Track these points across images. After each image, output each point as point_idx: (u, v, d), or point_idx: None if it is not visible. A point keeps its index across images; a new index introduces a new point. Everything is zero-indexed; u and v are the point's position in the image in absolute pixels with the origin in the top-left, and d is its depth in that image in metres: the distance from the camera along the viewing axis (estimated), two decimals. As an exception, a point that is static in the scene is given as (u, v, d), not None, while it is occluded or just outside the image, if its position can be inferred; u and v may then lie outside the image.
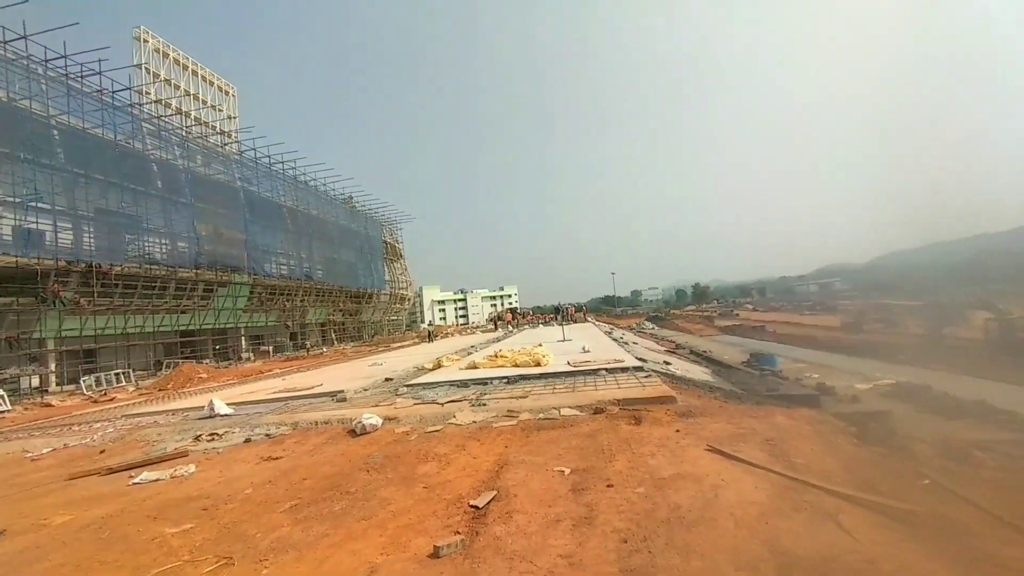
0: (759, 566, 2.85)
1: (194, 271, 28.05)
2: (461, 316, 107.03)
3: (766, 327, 42.31)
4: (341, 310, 43.50)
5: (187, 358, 27.12)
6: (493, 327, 41.08)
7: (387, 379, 12.03)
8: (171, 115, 30.98)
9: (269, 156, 36.05)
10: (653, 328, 49.27)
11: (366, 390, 10.77)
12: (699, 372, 14.20)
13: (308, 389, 11.37)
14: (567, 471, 4.68)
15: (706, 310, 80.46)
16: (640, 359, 11.43)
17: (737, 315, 63.50)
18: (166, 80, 34.32)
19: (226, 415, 9.43)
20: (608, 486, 4.21)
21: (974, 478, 4.36)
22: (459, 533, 3.58)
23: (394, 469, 5.38)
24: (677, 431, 5.81)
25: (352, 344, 40.18)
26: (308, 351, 33.69)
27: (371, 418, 7.15)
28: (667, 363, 12.83)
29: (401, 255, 56.16)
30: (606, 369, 9.62)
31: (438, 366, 12.92)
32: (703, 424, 6.11)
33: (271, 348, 34.72)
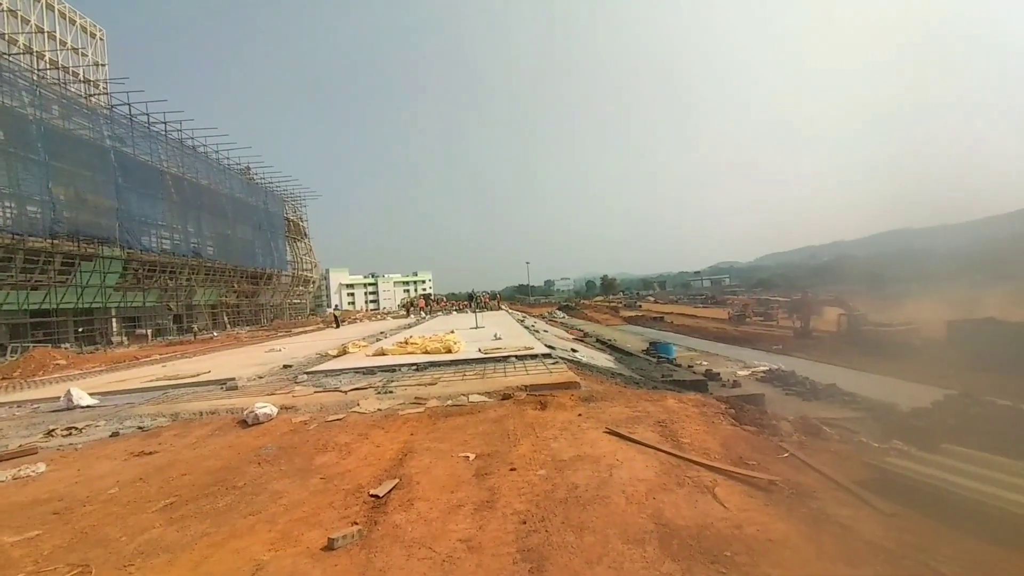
0: (644, 538, 3.07)
1: (49, 241, 24.06)
2: (372, 301, 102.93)
3: (665, 318, 45.82)
4: (236, 291, 39.87)
5: (40, 342, 23.29)
6: (405, 313, 40.14)
7: (286, 366, 11.25)
8: (17, 54, 26.04)
9: (148, 115, 31.71)
10: (564, 317, 51.20)
11: (261, 377, 9.99)
12: (603, 359, 15.02)
13: (193, 377, 10.30)
14: (472, 456, 4.70)
15: (613, 301, 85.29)
16: (549, 346, 11.79)
17: (640, 306, 68.05)
18: (10, 11, 28.72)
19: (88, 406, 8.26)
20: (511, 470, 4.30)
21: (822, 449, 5.05)
22: (357, 524, 3.45)
23: (289, 460, 5.06)
24: (579, 415, 6.07)
25: (248, 329, 37.04)
26: (195, 335, 30.53)
27: (265, 407, 6.65)
28: (574, 351, 13.38)
29: (305, 234, 52.66)
30: (516, 356, 9.80)
31: (343, 353, 12.34)
32: (603, 408, 6.44)
33: (150, 332, 30.92)
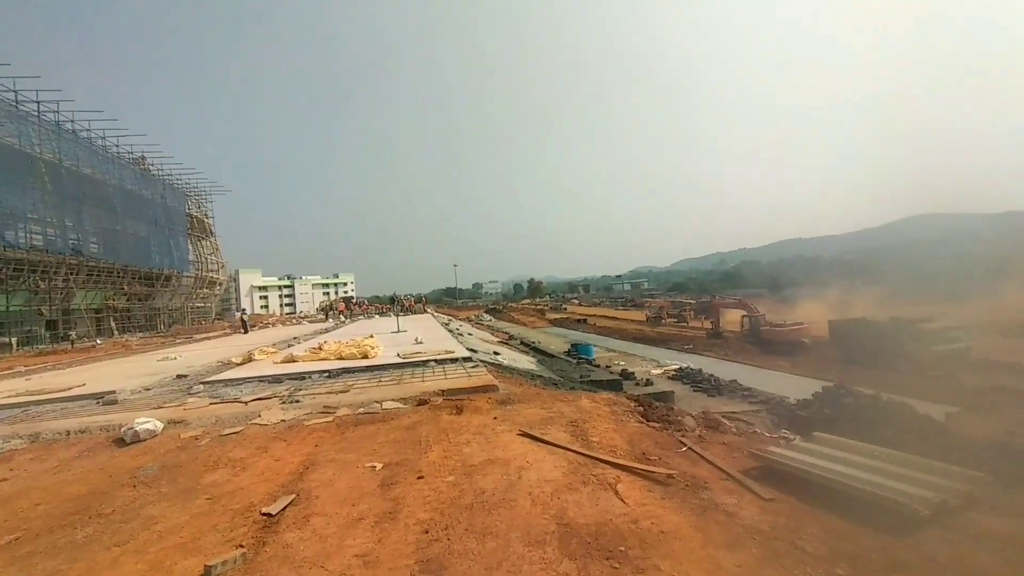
0: (545, 539, 3.09)
1: None
2: (287, 304, 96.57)
3: (588, 320, 47.47)
4: (125, 294, 35.71)
5: None
6: (324, 317, 38.17)
7: (179, 376, 10.19)
8: None
9: (16, 91, 27.59)
10: (490, 320, 51.38)
11: (148, 390, 8.98)
12: (526, 361, 15.20)
13: (64, 391, 9.03)
14: (379, 466, 4.51)
15: (539, 304, 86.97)
16: (471, 350, 11.72)
17: (565, 309, 70.01)
18: None
19: (-83, 430, 6.94)
20: (419, 478, 4.17)
21: (717, 442, 5.42)
22: (242, 547, 3.17)
23: (172, 481, 4.56)
24: (495, 418, 6.05)
25: (140, 335, 33.30)
26: (73, 344, 26.90)
27: (147, 423, 5.96)
28: (496, 354, 13.42)
29: (211, 232, 48.35)
30: (436, 360, 9.62)
31: (248, 360, 11.43)
32: (519, 411, 6.48)
33: (15, 341, 26.79)
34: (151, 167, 39.48)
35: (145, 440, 5.80)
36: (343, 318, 34.61)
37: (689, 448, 4.95)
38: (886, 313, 21.33)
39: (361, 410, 6.51)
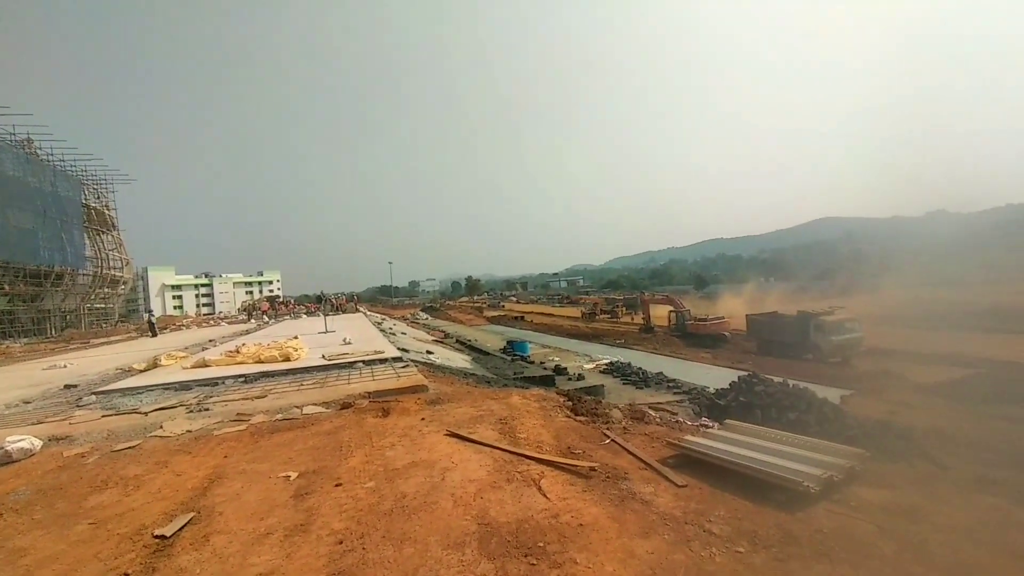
0: (465, 540, 3.04)
1: None
2: (206, 305, 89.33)
3: (525, 317, 48.05)
4: (7, 294, 31.49)
5: None
6: (246, 317, 35.80)
7: (68, 386, 9.08)
8: None
9: None
10: (427, 318, 50.62)
11: (28, 403, 7.93)
12: (460, 360, 15.07)
13: (-83, 408, 7.76)
14: (294, 476, 4.25)
15: (477, 302, 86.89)
16: (403, 349, 11.43)
17: (503, 306, 70.48)
18: None
19: None
20: (337, 485, 3.97)
21: (640, 433, 5.61)
22: (128, 575, 2.85)
23: (48, 506, 4.03)
24: (423, 419, 5.92)
25: (25, 341, 29.48)
26: (-61, 352, 23.31)
27: (22, 440, 5.25)
28: (430, 352, 13.19)
29: (114, 225, 43.62)
30: (363, 361, 9.27)
31: (153, 366, 10.42)
32: (448, 410, 6.38)
33: None
34: (39, 151, 35.03)
35: (19, 461, 5.10)
36: (267, 319, 32.61)
37: (612, 440, 5.09)
38: (795, 307, 23.34)
39: (279, 416, 6.13)
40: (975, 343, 19.02)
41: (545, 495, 3.69)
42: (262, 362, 9.51)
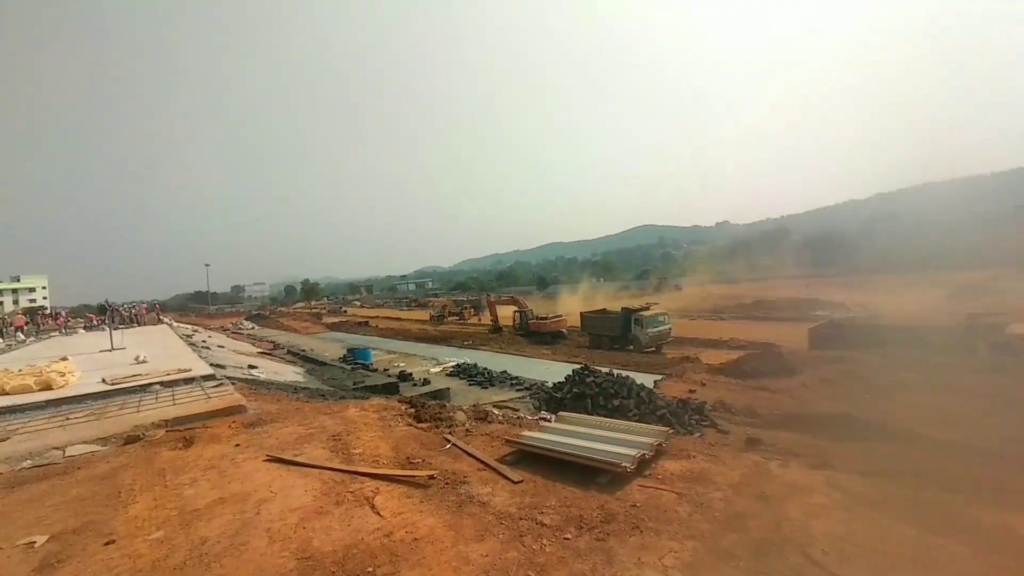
0: (280, 582, 2.64)
1: None
2: (-73, 323, 66.06)
3: (370, 323, 45.74)
4: None
5: None
6: (-6, 337, 27.37)
7: None
8: None
9: None
10: (253, 328, 45.07)
11: None
12: (291, 372, 13.63)
13: None
14: (42, 540, 3.27)
15: (316, 307, 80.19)
16: (217, 365, 9.85)
17: (345, 312, 66.14)
18: None
19: None
20: (107, 544, 3.15)
21: (483, 433, 5.64)
22: None
23: None
24: (236, 446, 5.11)
25: None
26: None
27: None
28: (252, 367, 11.64)
29: None
30: (162, 383, 7.71)
31: None
32: (271, 432, 5.63)
33: None
34: None
35: None
36: (21, 336, 25.39)
37: (453, 444, 5.02)
38: (620, 304, 26.40)
39: (27, 464, 4.72)
40: (746, 329, 23.81)
41: (379, 513, 3.43)
42: (7, 393, 7.25)
